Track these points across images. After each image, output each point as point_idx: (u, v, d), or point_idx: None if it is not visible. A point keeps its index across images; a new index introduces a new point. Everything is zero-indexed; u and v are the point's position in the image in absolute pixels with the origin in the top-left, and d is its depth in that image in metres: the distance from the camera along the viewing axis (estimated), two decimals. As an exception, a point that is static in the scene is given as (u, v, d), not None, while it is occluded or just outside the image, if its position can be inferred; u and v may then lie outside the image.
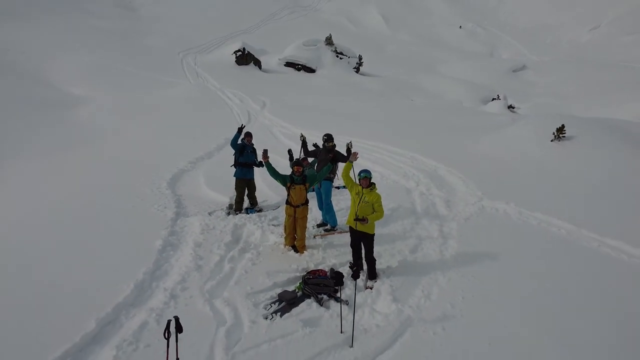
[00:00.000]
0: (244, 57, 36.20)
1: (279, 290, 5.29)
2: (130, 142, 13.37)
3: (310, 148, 7.84)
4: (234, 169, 7.71)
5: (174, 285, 5.15)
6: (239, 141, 7.70)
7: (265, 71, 37.46)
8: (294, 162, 6.22)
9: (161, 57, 35.96)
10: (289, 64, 40.57)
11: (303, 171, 6.18)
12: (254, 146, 7.86)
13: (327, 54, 42.46)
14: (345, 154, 7.14)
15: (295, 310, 4.93)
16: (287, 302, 5.03)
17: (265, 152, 6.24)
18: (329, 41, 42.97)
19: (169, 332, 3.47)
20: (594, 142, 10.87)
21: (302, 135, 7.97)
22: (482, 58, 61.39)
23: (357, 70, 44.27)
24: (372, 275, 5.65)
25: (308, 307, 4.99)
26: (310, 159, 8.23)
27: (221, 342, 4.30)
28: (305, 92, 28.88)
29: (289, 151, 8.66)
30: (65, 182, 9.30)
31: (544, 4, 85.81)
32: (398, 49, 62.33)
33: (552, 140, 10.90)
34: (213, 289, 5.17)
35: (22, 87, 22.42)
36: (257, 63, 37.31)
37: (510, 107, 33.36)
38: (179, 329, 3.50)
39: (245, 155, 7.51)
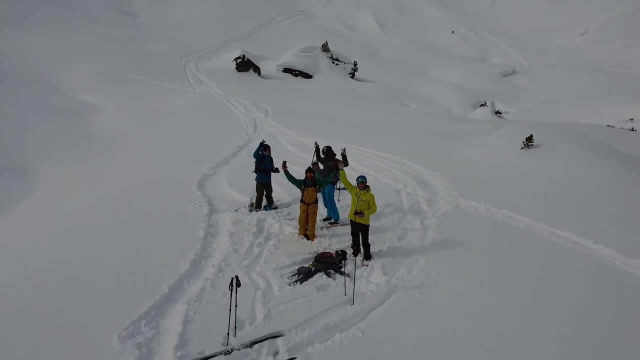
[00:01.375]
0: (244, 64, 37.92)
1: (297, 266, 7.05)
2: (151, 149, 15.07)
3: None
4: (252, 174, 9.49)
5: (219, 263, 6.90)
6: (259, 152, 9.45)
7: (264, 77, 39.19)
8: (307, 170, 7.98)
9: (164, 64, 37.58)
10: (286, 70, 42.41)
11: (314, 177, 7.95)
12: (271, 155, 9.63)
13: (324, 60, 44.32)
14: (341, 159, 8.89)
15: (310, 280, 6.69)
16: (304, 274, 6.79)
17: (284, 163, 8.03)
18: (325, 48, 44.81)
19: (232, 286, 5.22)
20: (557, 148, 12.73)
21: (316, 143, 9.68)
22: (474, 63, 63.56)
23: (353, 75, 46.12)
24: (367, 256, 7.42)
25: (320, 278, 6.76)
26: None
27: (259, 300, 6.05)
28: (303, 98, 30.66)
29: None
30: (105, 188, 10.99)
31: (535, 9, 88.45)
32: (392, 54, 64.36)
33: (522, 148, 12.75)
34: (248, 265, 6.92)
35: (38, 95, 23.87)
36: (257, 69, 39.04)
37: (497, 112, 35.40)
38: (238, 284, 5.25)
39: (264, 164, 9.27)
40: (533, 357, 5.24)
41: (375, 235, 8.10)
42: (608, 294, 6.74)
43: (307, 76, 42.38)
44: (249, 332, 5.44)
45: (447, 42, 74.09)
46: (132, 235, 7.66)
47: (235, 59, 37.92)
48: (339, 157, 9.22)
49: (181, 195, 9.68)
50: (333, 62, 44.57)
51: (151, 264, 6.74)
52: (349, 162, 9.52)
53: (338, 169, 7.79)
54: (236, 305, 5.39)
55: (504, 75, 55.55)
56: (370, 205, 7.23)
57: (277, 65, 42.45)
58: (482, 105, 37.03)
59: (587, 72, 56.22)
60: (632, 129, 33.43)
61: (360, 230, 7.41)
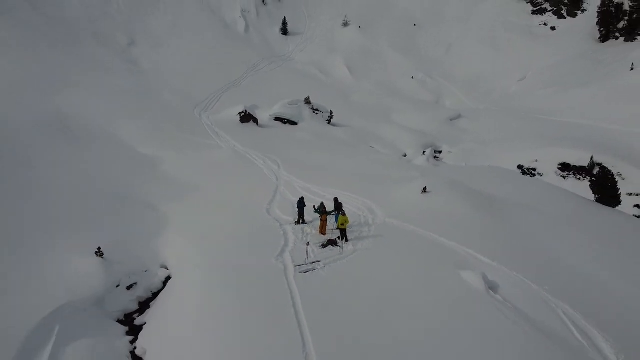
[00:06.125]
0: (246, 117, 50.98)
1: (322, 243, 20.04)
2: (222, 193, 27.61)
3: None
4: (293, 206, 22.41)
5: (293, 242, 19.86)
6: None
7: (261, 126, 52.30)
8: (321, 206, 21.06)
9: (183, 117, 49.90)
10: (277, 119, 55.77)
11: (325, 209, 21.03)
12: (304, 198, 22.59)
13: (306, 110, 58.01)
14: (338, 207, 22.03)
15: (327, 248, 19.69)
16: (324, 245, 19.81)
17: (313, 206, 21.13)
18: (307, 101, 58.62)
19: (307, 245, 18.25)
20: (439, 192, 26.20)
21: (334, 208, 22.76)
22: (429, 107, 78.95)
23: (329, 121, 59.92)
24: (346, 240, 20.45)
25: (331, 247, 19.76)
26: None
27: (312, 252, 19.00)
28: (295, 146, 43.86)
29: (331, 207, 23.38)
30: (216, 218, 23.57)
31: (483, 55, 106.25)
32: (361, 98, 79.00)
33: (421, 193, 26.23)
34: (304, 242, 19.86)
35: (115, 150, 35.62)
36: (255, 120, 52.15)
37: (437, 154, 50.01)
38: (309, 244, 18.29)
39: (301, 204, 22.23)
40: (400, 268, 18.41)
41: (349, 233, 21.13)
42: (440, 257, 19.94)
43: (293, 123, 55.83)
44: (310, 260, 18.33)
45: (408, 86, 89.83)
46: (258, 230, 20.52)
47: (239, 113, 50.93)
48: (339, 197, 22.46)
49: (263, 218, 22.52)
50: (314, 112, 58.31)
51: (270, 241, 19.62)
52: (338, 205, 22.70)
53: (340, 209, 20.96)
54: (308, 249, 18.34)
55: (451, 119, 70.51)
56: (347, 221, 20.35)
57: (270, 115, 55.75)
58: (424, 152, 51.51)
59: (516, 117, 72.01)
60: (529, 170, 48.52)
61: (342, 232, 20.43)
